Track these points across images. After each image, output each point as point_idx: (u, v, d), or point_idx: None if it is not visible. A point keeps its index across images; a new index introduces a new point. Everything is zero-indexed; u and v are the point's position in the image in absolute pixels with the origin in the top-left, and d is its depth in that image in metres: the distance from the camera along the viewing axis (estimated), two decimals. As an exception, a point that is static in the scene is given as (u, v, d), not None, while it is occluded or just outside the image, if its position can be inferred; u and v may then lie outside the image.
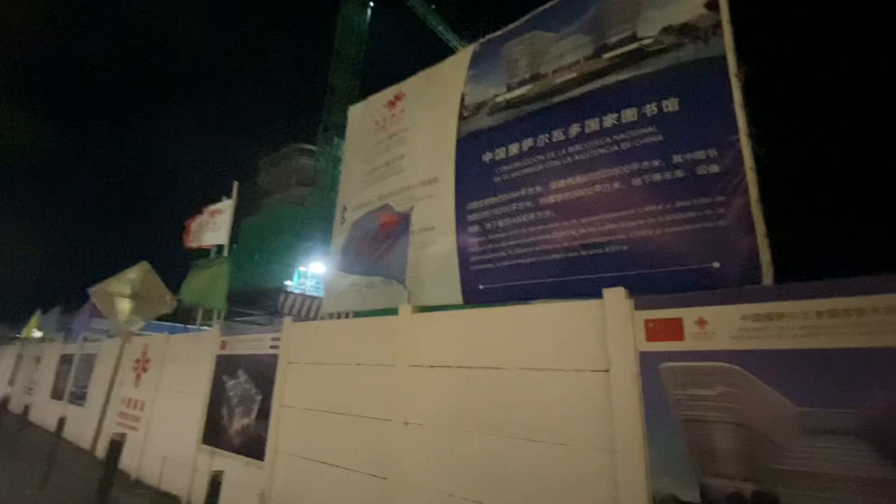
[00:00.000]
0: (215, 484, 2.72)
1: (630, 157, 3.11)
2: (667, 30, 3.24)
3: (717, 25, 3.04)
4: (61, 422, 5.22)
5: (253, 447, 4.14)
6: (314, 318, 10.20)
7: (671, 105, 3.05)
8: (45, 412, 9.28)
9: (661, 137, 3.03)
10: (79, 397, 8.25)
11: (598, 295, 2.87)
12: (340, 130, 28.89)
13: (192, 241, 7.21)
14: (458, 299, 3.89)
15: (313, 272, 25.22)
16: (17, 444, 6.72)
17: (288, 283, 26.22)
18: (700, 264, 2.69)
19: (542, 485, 2.38)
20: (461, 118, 4.30)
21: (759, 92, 2.99)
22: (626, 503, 2.06)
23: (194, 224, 7.27)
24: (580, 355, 2.42)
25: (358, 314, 4.97)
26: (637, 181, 3.05)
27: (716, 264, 2.65)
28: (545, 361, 2.54)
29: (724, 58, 2.95)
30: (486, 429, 2.68)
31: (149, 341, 6.69)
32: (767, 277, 2.45)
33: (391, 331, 3.40)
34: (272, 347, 4.40)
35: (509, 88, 4.03)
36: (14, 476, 5.42)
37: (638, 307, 2.30)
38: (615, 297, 2.36)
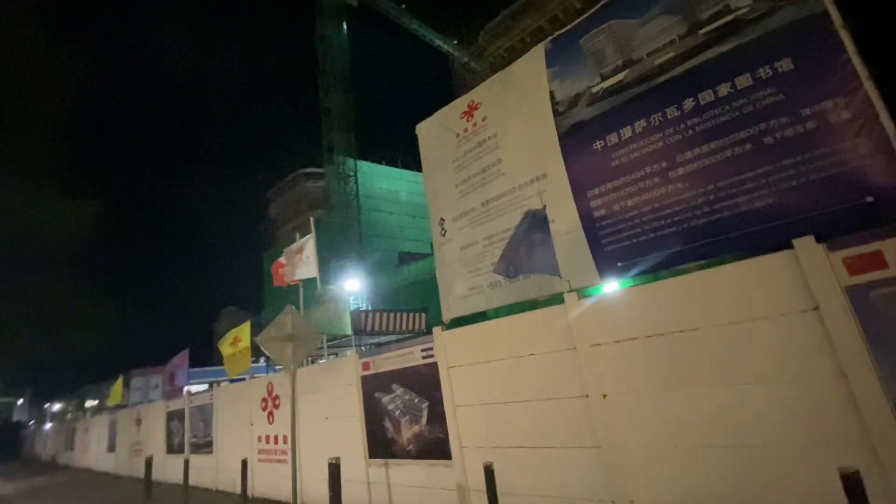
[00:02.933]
0: (489, 472, 3.09)
1: (755, 118, 3.41)
2: (761, -3, 3.52)
3: (812, -17, 3.31)
4: (244, 464, 5.65)
5: (434, 449, 4.54)
6: (402, 330, 10.78)
7: (785, 65, 3.33)
8: (164, 467, 9.80)
9: (783, 96, 3.32)
10: (201, 447, 8.75)
11: (753, 249, 3.22)
12: (344, 148, 29.27)
13: (287, 278, 7.64)
14: (595, 280, 4.22)
15: (350, 289, 25.69)
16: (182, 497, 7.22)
17: (327, 305, 26.84)
18: (854, 202, 2.99)
19: (776, 418, 2.71)
20: (556, 114, 4.61)
21: (870, 36, 3.27)
22: (871, 417, 2.38)
23: (286, 265, 7.70)
24: (782, 301, 2.75)
25: (473, 316, 5.33)
26: (769, 139, 3.35)
27: (869, 199, 2.95)
28: (744, 314, 2.87)
29: (826, 13, 3.23)
30: (694, 383, 3.03)
31: (271, 379, 7.13)
32: (926, 202, 2.75)
33: (561, 318, 3.75)
34: (426, 357, 4.78)
35: (603, 77, 4.33)
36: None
37: (831, 249, 2.63)
38: (807, 244, 2.69)
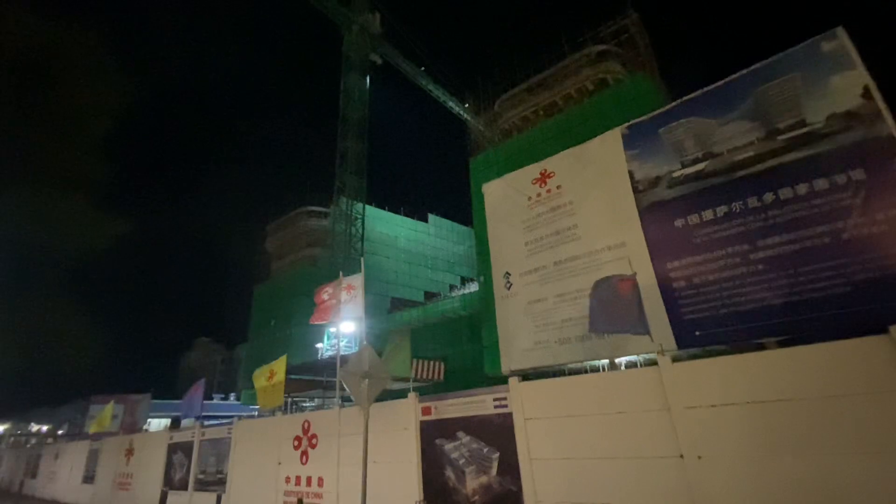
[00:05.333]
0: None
1: (833, 217, 3.93)
2: (833, 116, 4.17)
3: (878, 111, 3.97)
4: None
5: (505, 502, 4.57)
6: (420, 378, 10.67)
7: (858, 174, 3.91)
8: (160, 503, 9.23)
9: (858, 200, 3.87)
10: (210, 483, 8.33)
11: (829, 330, 3.61)
12: (354, 192, 30.01)
13: (333, 318, 7.74)
14: (671, 345, 4.54)
15: (344, 332, 25.28)
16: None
17: (319, 345, 26.25)
18: (926, 297, 3.45)
19: (870, 490, 2.97)
20: (636, 191, 5.13)
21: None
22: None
23: (331, 302, 7.84)
24: (878, 380, 3.09)
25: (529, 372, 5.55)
26: (846, 235, 3.85)
27: (941, 295, 3.41)
28: (841, 389, 3.20)
29: (892, 136, 3.85)
30: (791, 450, 3.28)
31: (309, 418, 7.04)
32: None
33: (653, 379, 4.01)
34: (498, 407, 4.92)
35: (683, 165, 4.90)
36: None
37: (927, 337, 3.02)
38: (904, 331, 3.08)
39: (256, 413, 28.62)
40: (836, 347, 3.33)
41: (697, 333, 4.43)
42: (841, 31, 4.31)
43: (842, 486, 3.08)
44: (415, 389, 6.17)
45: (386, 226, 38.48)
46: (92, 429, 13.63)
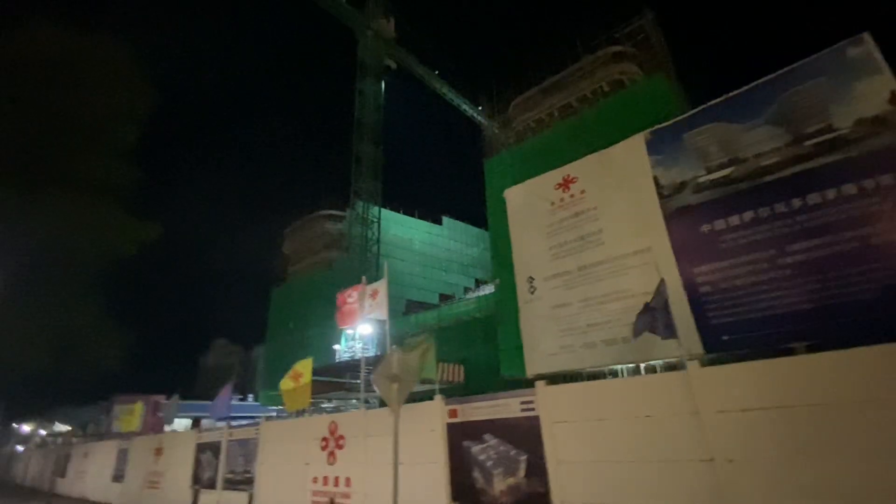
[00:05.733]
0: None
1: (862, 222, 3.95)
2: (860, 121, 4.19)
3: (907, 116, 3.98)
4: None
5: (532, 502, 4.65)
6: (442, 381, 10.83)
7: (887, 180, 3.93)
8: (188, 501, 9.50)
9: (888, 206, 3.88)
10: (239, 483, 8.56)
11: (860, 335, 3.64)
12: (370, 195, 30.31)
13: (357, 321, 7.91)
14: (698, 350, 4.59)
15: (361, 334, 25.55)
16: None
17: (336, 346, 26.56)
18: (961, 303, 3.45)
19: (908, 494, 2.99)
20: (661, 196, 5.19)
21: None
22: None
23: (354, 305, 8.01)
24: (914, 386, 3.11)
25: (560, 375, 5.63)
26: (876, 240, 3.87)
27: (976, 302, 3.41)
28: (871, 394, 3.23)
29: (923, 141, 3.85)
30: (820, 454, 3.32)
31: (336, 419, 7.20)
32: None
33: (681, 383, 4.06)
34: (525, 410, 5.00)
35: (709, 171, 4.95)
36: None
37: (962, 343, 3.04)
38: (939, 337, 3.10)
39: (275, 414, 29.03)
40: (866, 352, 3.36)
41: (725, 338, 4.48)
42: (867, 37, 4.33)
43: (872, 490, 3.10)
44: (439, 392, 6.27)
45: (401, 228, 38.72)
46: (123, 428, 14.04)
